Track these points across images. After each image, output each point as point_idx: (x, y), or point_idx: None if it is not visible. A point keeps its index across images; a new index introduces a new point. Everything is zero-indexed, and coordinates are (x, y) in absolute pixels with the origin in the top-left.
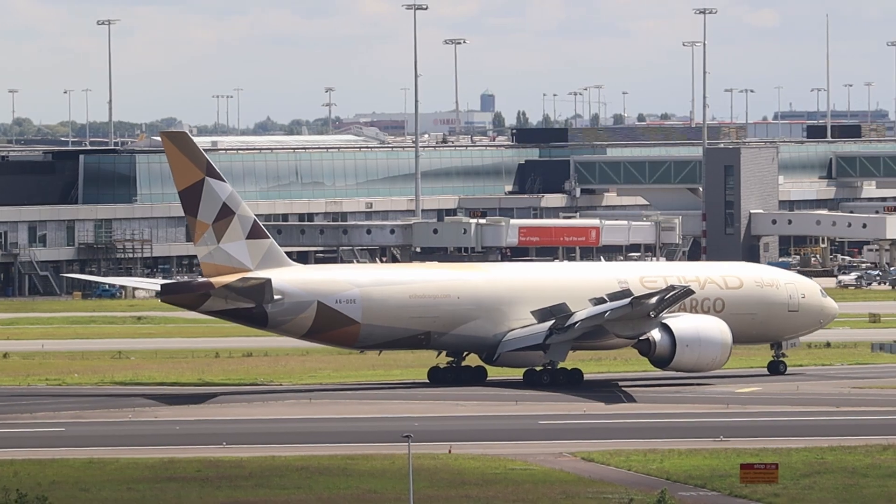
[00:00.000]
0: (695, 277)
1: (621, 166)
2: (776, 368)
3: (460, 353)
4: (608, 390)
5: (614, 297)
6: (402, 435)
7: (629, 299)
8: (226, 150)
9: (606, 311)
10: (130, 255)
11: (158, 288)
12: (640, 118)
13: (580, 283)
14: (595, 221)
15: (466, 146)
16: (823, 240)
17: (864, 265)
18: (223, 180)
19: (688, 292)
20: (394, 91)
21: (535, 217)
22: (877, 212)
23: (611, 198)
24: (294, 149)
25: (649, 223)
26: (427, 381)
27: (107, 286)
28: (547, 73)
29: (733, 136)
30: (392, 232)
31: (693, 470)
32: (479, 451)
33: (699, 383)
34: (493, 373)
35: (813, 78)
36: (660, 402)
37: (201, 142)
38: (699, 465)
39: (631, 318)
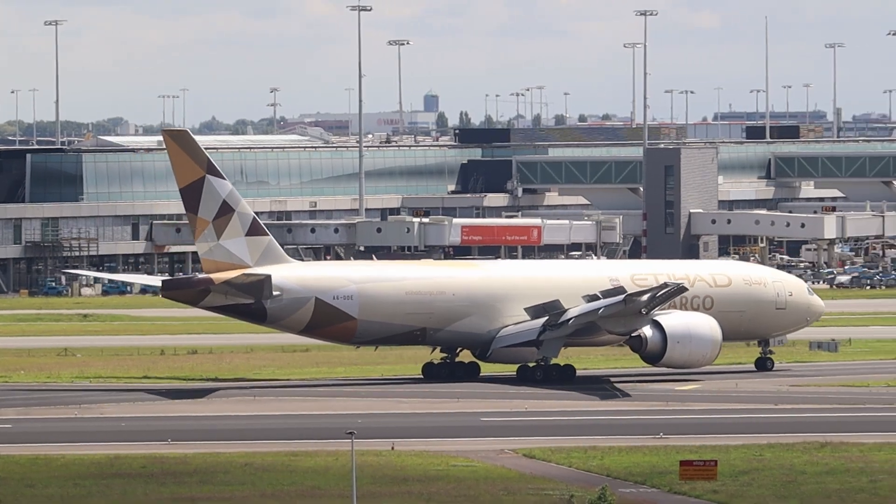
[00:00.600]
0: (684, 275)
1: (563, 166)
2: (763, 365)
3: (454, 349)
4: (551, 388)
5: (608, 294)
6: (345, 432)
7: (623, 296)
8: None
9: (600, 308)
10: (77, 254)
11: (160, 284)
12: (582, 119)
13: (573, 280)
14: (537, 221)
15: (410, 146)
16: (762, 239)
17: (802, 264)
18: (223, 178)
19: (681, 289)
20: (338, 91)
21: (477, 216)
22: (815, 212)
23: (552, 197)
24: (239, 148)
25: (590, 222)
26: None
27: (53, 283)
28: (489, 74)
29: (673, 136)
30: (336, 231)
31: (633, 466)
32: (422, 447)
33: (639, 381)
34: (487, 369)
35: (752, 79)
36: (601, 399)
37: (147, 141)
38: (639, 461)
39: (623, 314)
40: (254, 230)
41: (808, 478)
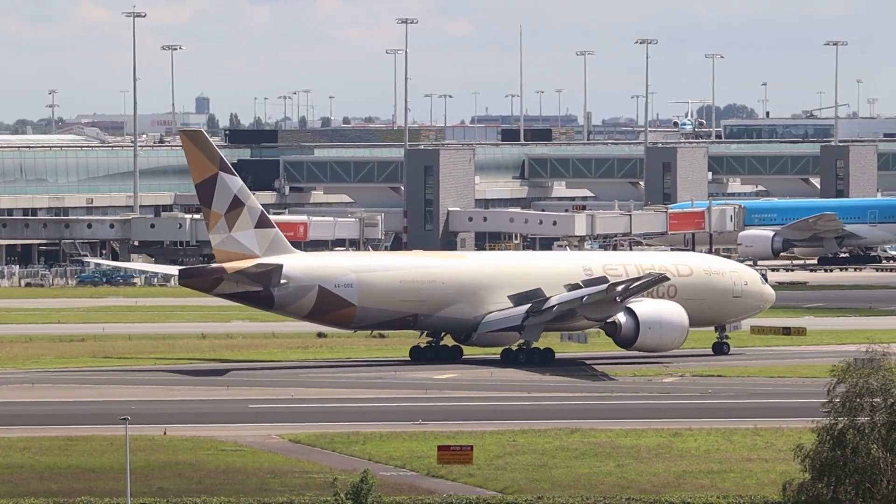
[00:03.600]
0: (650, 266)
1: (328, 166)
2: (720, 349)
3: (439, 333)
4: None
5: (589, 283)
6: (119, 417)
7: (605, 285)
8: None
9: (584, 296)
10: None
11: (176, 273)
12: (346, 121)
13: (552, 269)
14: (303, 218)
15: (182, 146)
16: (516, 236)
17: None
18: (235, 175)
19: (662, 279)
20: (114, 93)
21: None
22: (566, 210)
23: (318, 195)
24: (19, 147)
25: (354, 219)
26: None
27: None
28: (258, 78)
29: (433, 138)
30: (112, 226)
31: (393, 451)
32: (193, 433)
33: (403, 370)
34: (469, 352)
35: (507, 84)
36: (363, 388)
37: None
38: (399, 446)
39: (601, 302)
40: (262, 223)
41: (558, 462)
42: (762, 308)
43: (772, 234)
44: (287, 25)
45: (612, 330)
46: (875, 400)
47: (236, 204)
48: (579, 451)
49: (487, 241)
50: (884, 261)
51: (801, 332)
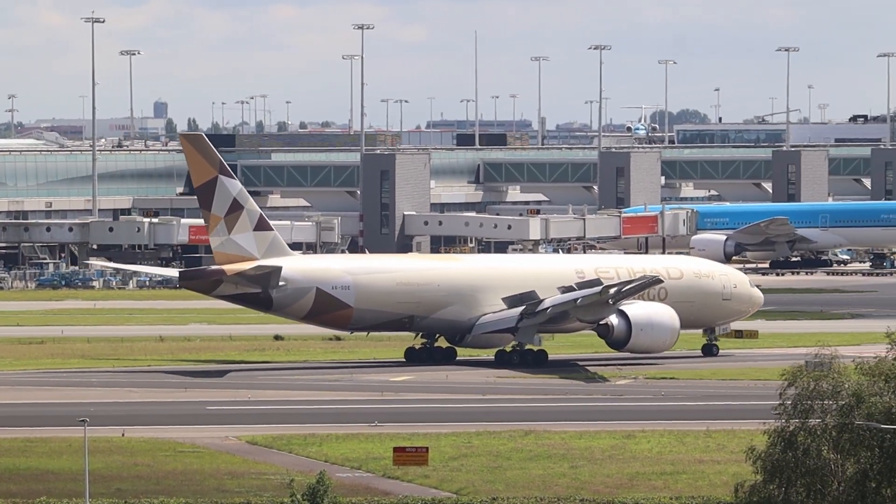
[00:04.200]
0: (641, 269)
1: (285, 170)
2: (710, 351)
3: (434, 334)
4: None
5: (582, 285)
6: (77, 419)
7: (599, 287)
8: None
9: (578, 298)
10: None
11: (177, 274)
12: (303, 125)
13: (545, 272)
14: None
15: (141, 150)
16: (472, 240)
17: None
18: (234, 178)
19: (655, 281)
20: (73, 98)
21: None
22: (521, 214)
23: (275, 199)
24: None
25: (310, 223)
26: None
27: None
28: (215, 83)
29: (389, 142)
30: (70, 230)
31: (350, 453)
32: (151, 434)
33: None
34: (463, 353)
35: (463, 90)
36: (319, 390)
37: None
38: (355, 448)
39: (595, 304)
40: (261, 226)
41: (513, 463)
42: (750, 311)
43: (724, 238)
44: (244, 31)
45: (605, 332)
46: (826, 402)
47: (235, 207)
48: (533, 453)
49: (443, 244)
50: (834, 265)
51: (753, 335)
